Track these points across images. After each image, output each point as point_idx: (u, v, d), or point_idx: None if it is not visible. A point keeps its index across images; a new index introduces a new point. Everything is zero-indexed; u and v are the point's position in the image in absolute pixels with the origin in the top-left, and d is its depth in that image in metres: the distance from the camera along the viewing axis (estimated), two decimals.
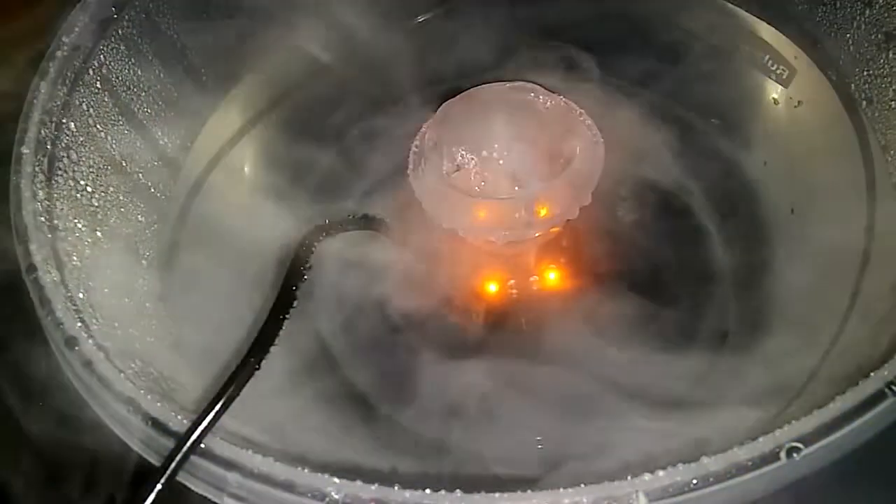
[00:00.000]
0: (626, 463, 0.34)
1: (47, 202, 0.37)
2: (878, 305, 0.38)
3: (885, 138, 0.43)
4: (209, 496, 0.28)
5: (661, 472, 0.26)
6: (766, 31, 0.49)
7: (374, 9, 0.52)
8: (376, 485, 0.26)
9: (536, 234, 0.43)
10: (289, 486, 0.26)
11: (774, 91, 0.50)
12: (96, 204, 0.40)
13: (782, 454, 0.26)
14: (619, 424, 0.41)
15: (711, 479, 0.26)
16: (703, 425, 0.35)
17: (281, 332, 0.35)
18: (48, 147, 0.38)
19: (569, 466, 0.37)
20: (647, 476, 0.26)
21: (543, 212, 0.42)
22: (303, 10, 0.50)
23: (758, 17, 0.50)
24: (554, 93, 0.45)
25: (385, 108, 0.50)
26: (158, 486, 0.28)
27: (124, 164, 0.43)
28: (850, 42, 0.44)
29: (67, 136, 0.39)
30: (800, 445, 0.26)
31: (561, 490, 0.26)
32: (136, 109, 0.44)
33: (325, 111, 0.51)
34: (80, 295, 0.34)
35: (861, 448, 0.27)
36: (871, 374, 0.28)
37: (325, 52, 0.51)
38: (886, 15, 0.42)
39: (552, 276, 0.47)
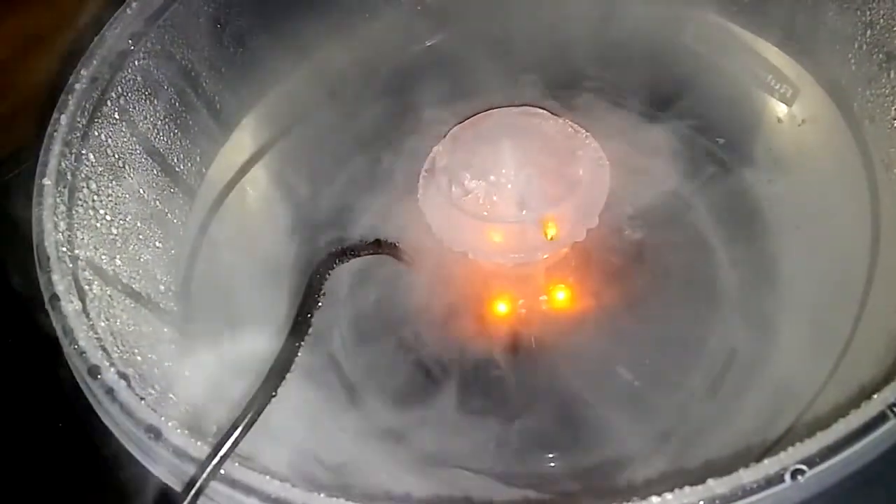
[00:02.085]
0: (634, 485, 0.35)
1: (68, 232, 0.38)
2: (883, 323, 0.39)
3: (887, 156, 0.43)
4: None
5: (668, 495, 0.26)
6: (770, 52, 0.50)
7: (383, 34, 0.54)
8: None
9: (545, 256, 0.44)
10: None
11: (778, 110, 0.50)
12: (115, 232, 0.41)
13: (787, 476, 0.26)
14: (627, 444, 0.41)
15: (717, 502, 0.26)
16: (710, 445, 0.36)
17: (296, 359, 0.36)
18: (68, 178, 0.39)
19: (579, 486, 0.38)
20: (654, 499, 0.26)
21: (551, 234, 0.43)
22: (313, 37, 0.51)
23: (762, 38, 0.50)
24: (559, 116, 0.45)
25: (394, 133, 0.51)
26: None
27: (142, 193, 0.44)
28: (853, 62, 0.45)
29: (87, 166, 0.40)
30: (804, 468, 0.27)
31: None
32: (152, 138, 0.45)
33: (336, 137, 0.52)
34: (102, 323, 0.35)
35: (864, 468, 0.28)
36: (874, 395, 0.28)
37: (336, 78, 0.52)
38: (887, 35, 0.43)
39: (561, 296, 0.48)
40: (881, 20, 0.43)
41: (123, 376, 0.32)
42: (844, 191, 0.45)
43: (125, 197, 0.42)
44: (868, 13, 0.44)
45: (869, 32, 0.44)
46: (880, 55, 0.43)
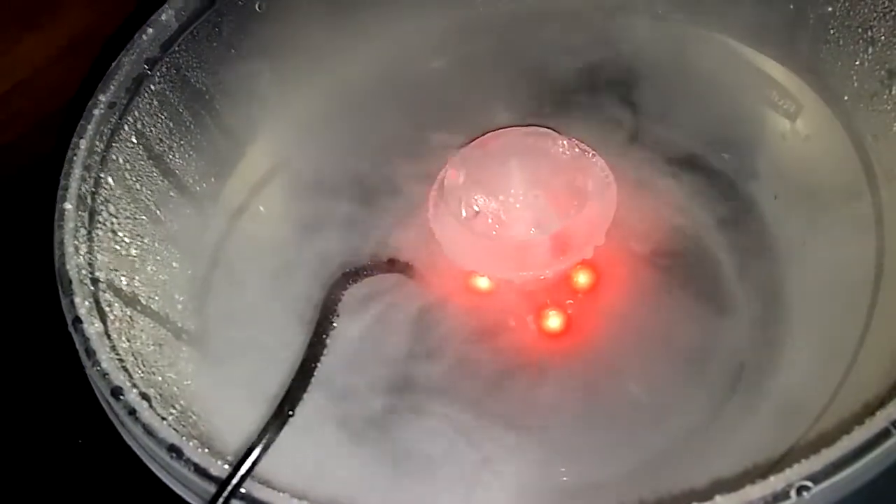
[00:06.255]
0: (643, 501, 0.35)
1: (89, 255, 0.39)
2: (889, 339, 0.39)
3: (890, 171, 0.44)
4: None
5: None
6: (773, 68, 0.51)
7: (392, 54, 0.54)
8: None
9: (553, 274, 0.45)
10: None
11: (782, 125, 0.51)
12: (134, 253, 0.42)
13: (792, 493, 0.27)
14: (634, 459, 0.42)
15: None
16: (716, 461, 0.37)
17: (313, 379, 0.37)
18: (88, 202, 0.40)
19: (588, 501, 0.38)
20: None
21: (559, 252, 0.44)
22: (322, 58, 0.52)
23: (765, 55, 0.51)
24: (566, 136, 0.46)
25: (405, 152, 0.51)
26: None
27: (159, 214, 0.44)
28: (855, 78, 0.46)
29: (106, 190, 0.41)
30: (809, 484, 0.27)
31: None
32: (168, 160, 0.46)
33: (347, 156, 0.53)
34: (123, 344, 0.36)
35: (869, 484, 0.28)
36: (877, 412, 0.29)
37: (346, 99, 0.53)
38: (889, 52, 0.43)
39: (568, 312, 0.48)
40: (882, 37, 0.44)
41: (145, 397, 0.33)
42: (848, 205, 0.46)
43: (143, 219, 0.43)
44: (870, 30, 0.44)
45: (871, 49, 0.44)
46: (882, 72, 0.44)
